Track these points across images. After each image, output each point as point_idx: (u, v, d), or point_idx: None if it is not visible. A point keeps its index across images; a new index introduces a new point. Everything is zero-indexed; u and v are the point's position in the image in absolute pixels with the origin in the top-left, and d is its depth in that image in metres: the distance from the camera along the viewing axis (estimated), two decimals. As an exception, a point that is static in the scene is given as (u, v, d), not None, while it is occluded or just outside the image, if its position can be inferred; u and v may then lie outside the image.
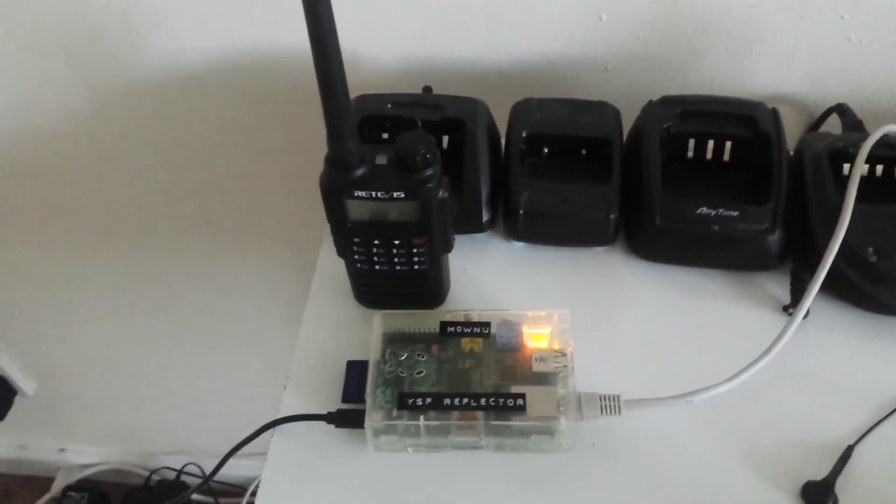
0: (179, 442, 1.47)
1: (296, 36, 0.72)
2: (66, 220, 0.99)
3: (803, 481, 0.51)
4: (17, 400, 1.37)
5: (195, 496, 1.48)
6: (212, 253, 1.03)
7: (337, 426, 0.53)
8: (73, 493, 1.45)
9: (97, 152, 0.89)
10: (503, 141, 0.67)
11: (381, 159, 0.51)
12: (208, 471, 1.44)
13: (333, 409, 0.54)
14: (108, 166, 0.91)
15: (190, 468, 1.46)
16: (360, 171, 0.50)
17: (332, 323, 0.61)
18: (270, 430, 0.54)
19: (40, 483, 1.57)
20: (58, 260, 1.07)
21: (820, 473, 0.51)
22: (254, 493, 1.36)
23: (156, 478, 1.49)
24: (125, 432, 1.49)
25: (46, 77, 0.80)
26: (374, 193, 0.51)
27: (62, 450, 1.55)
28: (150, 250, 1.04)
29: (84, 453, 1.55)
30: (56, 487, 1.52)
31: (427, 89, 0.69)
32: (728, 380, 0.51)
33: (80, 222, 1.00)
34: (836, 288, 0.58)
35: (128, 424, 1.46)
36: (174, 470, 1.47)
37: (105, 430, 1.49)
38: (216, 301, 1.12)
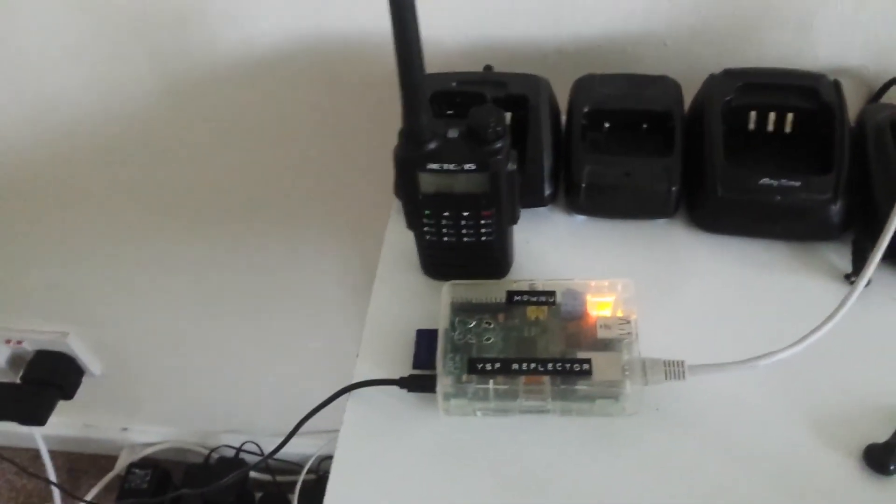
0: (238, 421, 1.51)
1: (364, 22, 0.74)
2: (137, 204, 1.02)
3: (865, 444, 0.51)
4: (84, 380, 1.41)
5: (253, 474, 1.52)
6: (275, 235, 1.05)
7: (409, 390, 0.55)
8: (136, 471, 1.48)
9: (169, 138, 0.92)
10: (563, 117, 0.68)
11: (452, 133, 0.52)
12: (266, 448, 1.49)
13: (405, 375, 0.56)
14: (179, 151, 0.94)
15: (248, 446, 1.49)
16: (432, 145, 0.52)
17: (399, 294, 0.62)
18: (346, 395, 0.57)
19: (104, 461, 1.62)
20: (127, 244, 1.10)
21: (882, 437, 0.51)
22: (310, 471, 1.40)
23: (215, 456, 1.53)
24: (186, 412, 1.53)
25: (123, 64, 0.83)
26: (445, 166, 0.52)
27: (125, 429, 1.60)
28: (215, 234, 1.07)
29: (146, 432, 1.59)
30: (120, 465, 1.56)
31: (488, 68, 0.71)
32: (792, 345, 0.51)
33: (149, 206, 1.03)
34: (899, 257, 0.58)
35: (189, 404, 1.50)
36: (233, 448, 1.50)
37: (166, 409, 1.53)
38: (278, 282, 1.14)
